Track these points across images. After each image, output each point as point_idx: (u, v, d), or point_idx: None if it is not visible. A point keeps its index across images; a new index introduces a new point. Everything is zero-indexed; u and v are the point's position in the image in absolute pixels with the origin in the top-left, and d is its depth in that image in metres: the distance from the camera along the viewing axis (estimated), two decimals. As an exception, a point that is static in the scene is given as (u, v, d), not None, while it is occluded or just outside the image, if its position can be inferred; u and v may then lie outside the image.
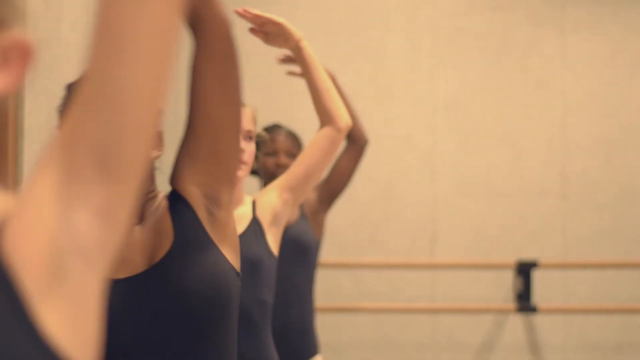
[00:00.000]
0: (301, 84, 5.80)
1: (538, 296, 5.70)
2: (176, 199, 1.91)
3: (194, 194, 1.89)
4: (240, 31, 5.77)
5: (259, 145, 3.11)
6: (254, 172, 3.70)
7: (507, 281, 5.74)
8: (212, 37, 1.80)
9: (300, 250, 3.60)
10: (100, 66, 0.85)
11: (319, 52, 5.81)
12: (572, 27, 5.84)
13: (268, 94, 5.78)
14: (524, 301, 5.48)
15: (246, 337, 2.71)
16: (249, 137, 2.82)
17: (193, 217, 1.88)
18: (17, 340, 0.83)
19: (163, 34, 0.86)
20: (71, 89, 1.99)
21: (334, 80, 3.63)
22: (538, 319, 5.72)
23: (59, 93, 4.41)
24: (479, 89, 5.83)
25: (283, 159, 3.70)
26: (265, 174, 3.73)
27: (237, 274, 1.92)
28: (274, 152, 3.71)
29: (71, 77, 4.62)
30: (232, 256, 1.92)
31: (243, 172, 2.79)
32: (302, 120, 5.71)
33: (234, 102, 1.84)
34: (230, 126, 1.85)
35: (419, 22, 5.85)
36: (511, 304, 5.59)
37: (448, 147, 5.81)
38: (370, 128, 5.79)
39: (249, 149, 2.80)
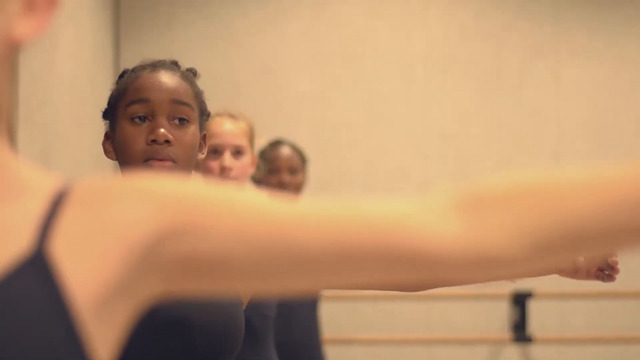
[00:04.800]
0: (289, 101, 5.77)
1: (534, 326, 5.67)
2: None
3: None
4: (226, 47, 5.74)
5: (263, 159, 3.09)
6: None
7: (503, 311, 5.70)
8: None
9: None
10: None
11: (312, 80, 5.79)
12: (565, 56, 5.84)
13: (256, 111, 5.74)
14: (520, 331, 5.44)
15: (249, 348, 2.66)
16: (236, 152, 2.80)
17: None
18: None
19: None
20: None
21: None
22: (534, 349, 5.69)
23: (53, 125, 4.34)
24: (473, 117, 5.82)
25: (285, 177, 3.55)
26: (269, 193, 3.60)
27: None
28: (276, 170, 3.57)
29: (65, 110, 4.55)
30: None
31: None
32: (289, 137, 5.66)
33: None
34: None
35: (412, 51, 5.84)
36: (507, 334, 5.56)
37: (442, 175, 5.78)
38: (364, 158, 5.76)
39: (236, 165, 2.78)
